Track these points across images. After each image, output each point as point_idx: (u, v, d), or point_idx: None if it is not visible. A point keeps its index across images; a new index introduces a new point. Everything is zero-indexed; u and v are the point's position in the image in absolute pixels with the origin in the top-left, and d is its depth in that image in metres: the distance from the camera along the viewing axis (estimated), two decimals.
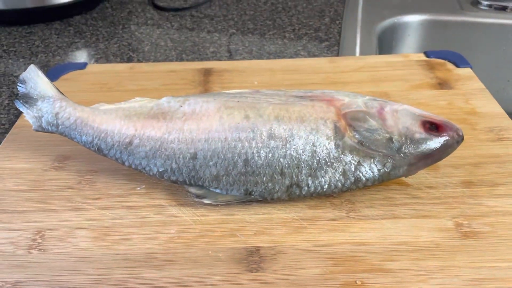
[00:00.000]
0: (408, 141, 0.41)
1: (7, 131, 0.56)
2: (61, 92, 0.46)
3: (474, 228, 0.39)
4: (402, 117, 0.42)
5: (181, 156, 0.41)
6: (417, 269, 0.36)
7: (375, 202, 0.42)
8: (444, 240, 0.38)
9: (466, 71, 0.62)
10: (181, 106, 0.44)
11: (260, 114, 0.42)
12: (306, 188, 0.41)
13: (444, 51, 0.66)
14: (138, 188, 0.45)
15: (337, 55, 0.74)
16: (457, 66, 0.63)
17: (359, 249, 0.38)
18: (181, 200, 0.43)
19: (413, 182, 0.44)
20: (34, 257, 0.38)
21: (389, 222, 0.40)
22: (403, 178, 0.44)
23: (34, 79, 0.45)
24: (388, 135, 0.41)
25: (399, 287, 0.35)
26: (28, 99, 0.45)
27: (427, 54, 0.66)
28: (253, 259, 0.38)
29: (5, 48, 0.78)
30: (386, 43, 0.85)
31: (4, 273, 0.37)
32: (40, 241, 0.40)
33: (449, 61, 0.64)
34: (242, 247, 0.39)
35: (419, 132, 0.41)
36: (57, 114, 0.44)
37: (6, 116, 0.61)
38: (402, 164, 0.41)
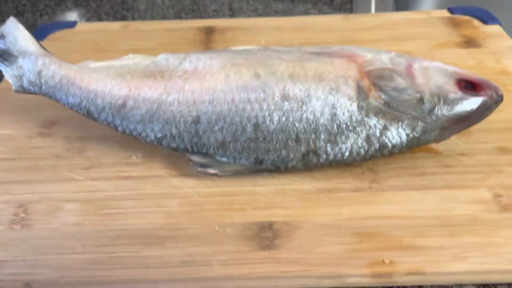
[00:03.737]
0: (442, 101, 0.36)
1: None
2: (44, 48, 0.40)
3: None
4: (433, 74, 0.37)
5: (182, 119, 0.36)
6: (452, 246, 0.32)
7: (401, 172, 0.38)
8: (481, 213, 0.34)
9: (494, 29, 0.56)
10: (181, 64, 0.38)
11: (272, 71, 0.37)
12: (324, 155, 0.36)
13: (469, 7, 0.60)
14: (134, 157, 0.40)
15: (351, 11, 0.68)
16: (485, 23, 0.57)
17: (385, 223, 0.33)
18: (182, 170, 0.38)
19: (443, 149, 0.39)
20: (17, 233, 0.34)
21: (418, 194, 0.36)
22: (433, 145, 0.39)
23: (13, 33, 0.40)
24: (418, 95, 0.36)
25: (434, 267, 0.31)
26: (7, 56, 0.40)
27: (451, 10, 0.60)
28: (266, 235, 0.33)
29: None
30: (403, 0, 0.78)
31: None
32: (23, 215, 0.35)
33: (476, 17, 0.58)
34: (252, 222, 0.34)
35: (453, 92, 0.36)
36: (40, 72, 0.39)
37: None
38: (434, 127, 0.36)
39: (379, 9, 0.69)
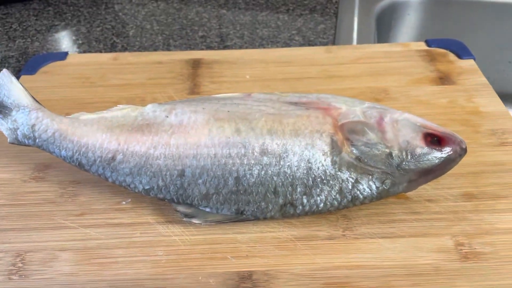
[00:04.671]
0: (409, 156, 0.39)
1: None
2: (37, 101, 0.42)
3: (475, 248, 0.38)
4: (402, 128, 0.40)
5: (168, 173, 0.39)
6: None
7: (372, 218, 0.41)
8: (444, 263, 0.37)
9: (469, 63, 0.59)
10: (167, 117, 0.41)
11: (252, 127, 0.39)
12: (301, 207, 0.39)
13: (446, 39, 0.62)
14: (124, 203, 0.43)
15: (334, 38, 0.70)
16: (460, 57, 0.60)
17: (355, 273, 0.36)
18: (169, 217, 0.41)
19: (412, 195, 0.42)
20: (15, 284, 0.37)
21: (387, 242, 0.39)
22: None
23: (7, 85, 0.42)
24: (387, 150, 0.39)
25: None
26: (1, 108, 0.42)
27: (428, 43, 0.62)
28: (245, 285, 0.36)
29: None
30: (385, 23, 0.81)
31: None
32: (20, 265, 0.38)
33: (451, 51, 0.61)
34: (234, 272, 0.37)
35: (420, 147, 0.39)
36: (33, 126, 0.41)
37: None
38: (402, 180, 0.39)
39: (361, 34, 0.71)
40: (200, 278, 0.37)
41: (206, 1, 0.81)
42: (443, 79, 0.56)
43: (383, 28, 0.80)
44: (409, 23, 0.84)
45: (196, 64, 0.60)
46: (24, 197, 0.43)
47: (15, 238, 0.40)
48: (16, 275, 0.37)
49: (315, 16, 0.76)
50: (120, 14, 0.78)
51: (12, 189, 0.44)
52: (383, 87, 0.55)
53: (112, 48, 0.69)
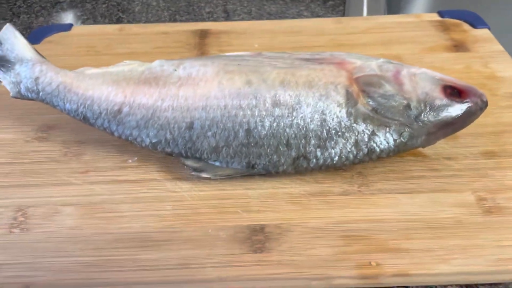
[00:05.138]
0: (428, 107, 0.37)
1: None
2: (41, 55, 0.41)
3: (498, 203, 0.36)
4: (420, 81, 0.38)
5: (176, 125, 0.37)
6: (437, 248, 0.33)
7: (389, 175, 0.39)
8: (466, 217, 0.35)
9: (483, 32, 0.57)
10: (175, 70, 0.39)
11: (264, 78, 0.38)
12: (314, 160, 0.37)
13: (459, 10, 0.61)
14: (130, 161, 0.41)
15: (343, 15, 0.68)
16: (474, 26, 0.58)
17: (373, 226, 0.35)
18: (177, 174, 0.39)
19: (430, 153, 0.41)
20: (16, 237, 0.35)
21: (405, 197, 0.37)
22: (420, 149, 0.40)
23: (10, 40, 0.41)
24: (405, 102, 0.37)
25: (418, 269, 0.32)
26: (4, 63, 0.40)
27: (441, 14, 0.61)
28: (257, 238, 0.34)
29: None
30: (395, 2, 0.79)
31: None
32: (22, 219, 0.36)
33: (465, 21, 0.59)
34: (245, 225, 0.35)
35: (439, 98, 0.37)
36: (37, 79, 0.40)
37: None
38: (421, 133, 0.37)
39: (371, 10, 0.70)
40: (209, 231, 0.35)
41: None
42: (458, 47, 0.55)
43: (393, 8, 0.78)
44: (420, 1, 0.82)
45: (203, 34, 0.59)
46: (26, 155, 0.42)
47: (16, 194, 0.38)
48: (17, 228, 0.36)
49: None
50: None
51: (15, 149, 0.43)
52: (396, 54, 0.54)
53: (117, 23, 0.68)
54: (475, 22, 0.58)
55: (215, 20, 0.68)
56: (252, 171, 0.38)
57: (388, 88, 0.38)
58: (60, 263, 0.33)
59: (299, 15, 0.69)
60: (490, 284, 0.33)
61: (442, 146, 0.41)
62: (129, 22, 0.68)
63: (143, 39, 0.58)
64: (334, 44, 0.56)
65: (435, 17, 0.61)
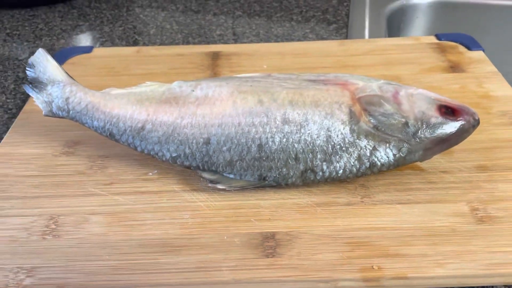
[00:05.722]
0: (424, 125, 0.40)
1: (14, 115, 0.56)
2: (70, 77, 0.45)
3: (490, 213, 0.39)
4: (417, 101, 0.42)
5: (194, 141, 0.41)
6: (434, 254, 0.36)
7: (389, 187, 0.42)
8: (460, 225, 0.38)
9: (478, 54, 0.61)
10: (193, 91, 0.43)
11: (274, 98, 0.42)
12: (320, 173, 0.40)
13: (455, 34, 0.65)
14: (150, 174, 0.45)
15: (346, 38, 0.73)
16: (469, 49, 0.62)
17: (375, 234, 0.38)
18: (194, 186, 0.43)
19: (427, 167, 0.44)
20: (49, 242, 0.38)
21: (404, 207, 0.40)
22: (418, 163, 0.44)
23: (43, 63, 0.45)
24: (403, 120, 0.40)
25: (416, 272, 0.35)
26: (37, 84, 0.44)
27: (438, 36, 0.65)
28: (269, 244, 0.37)
29: (8, 31, 0.77)
30: (394, 25, 0.84)
31: (20, 258, 0.37)
32: (54, 226, 0.40)
33: (461, 43, 0.63)
34: (257, 232, 0.38)
35: (435, 117, 0.41)
36: (67, 99, 0.44)
37: (13, 100, 0.60)
38: (418, 148, 0.41)
39: (372, 32, 0.74)
40: (225, 237, 0.38)
41: (223, 5, 0.84)
42: (454, 67, 0.58)
43: (393, 31, 0.83)
44: (418, 26, 0.86)
45: (215, 56, 0.63)
46: (55, 169, 0.46)
47: (47, 203, 0.42)
48: (50, 235, 0.39)
49: (327, 17, 0.79)
50: (141, 15, 0.82)
51: (44, 163, 0.46)
52: (395, 75, 0.57)
53: (134, 45, 0.72)
54: (470, 44, 0.62)
55: (225, 42, 0.73)
56: (264, 183, 0.41)
57: (388, 107, 0.41)
58: (90, 267, 0.36)
59: (304, 37, 0.73)
60: (483, 287, 0.36)
61: (438, 160, 0.44)
62: (144, 44, 0.73)
63: (160, 60, 0.62)
64: (338, 65, 0.60)
65: (433, 39, 0.65)
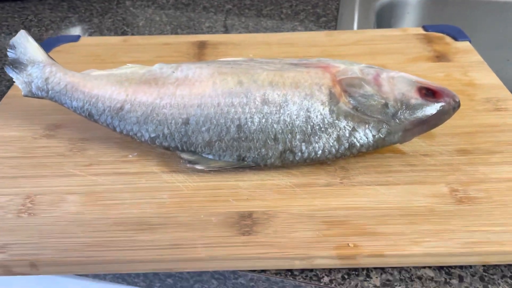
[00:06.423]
0: (404, 106, 0.40)
1: None
2: (51, 58, 0.45)
3: (469, 194, 0.39)
4: (398, 83, 0.42)
5: (173, 121, 0.41)
6: (410, 232, 0.36)
7: (369, 169, 0.42)
8: (438, 205, 0.38)
9: (464, 45, 0.61)
10: (173, 72, 0.43)
11: (254, 79, 0.41)
12: (299, 153, 0.40)
13: (442, 25, 0.65)
14: (130, 156, 0.44)
15: (335, 29, 0.73)
16: (456, 39, 0.62)
17: (352, 213, 0.38)
18: (173, 167, 0.43)
19: (408, 150, 0.44)
20: (24, 220, 0.38)
21: (383, 188, 0.40)
22: (399, 146, 0.44)
23: (23, 44, 0.45)
24: (383, 101, 0.40)
25: (392, 250, 0.35)
26: (18, 64, 0.44)
27: (425, 28, 0.65)
28: (246, 222, 0.37)
29: None
30: (384, 20, 0.84)
31: None
32: (30, 205, 0.39)
33: (448, 34, 0.63)
34: (234, 212, 0.38)
35: (415, 98, 0.41)
36: (47, 79, 0.43)
37: None
38: (397, 130, 0.40)
39: (361, 26, 0.74)
40: (202, 216, 0.38)
41: None
42: (440, 57, 0.58)
43: (383, 25, 0.83)
44: (408, 21, 0.87)
45: (202, 45, 0.63)
46: (34, 150, 0.45)
47: (25, 183, 0.41)
48: (25, 213, 0.39)
49: (317, 11, 0.79)
50: (131, 8, 0.82)
51: (24, 145, 0.46)
52: (381, 64, 0.57)
53: (122, 36, 0.72)
54: (457, 35, 0.62)
55: (214, 33, 0.73)
56: (243, 164, 0.41)
57: (368, 89, 0.41)
58: (63, 244, 0.36)
59: (293, 30, 0.73)
60: (461, 267, 0.36)
61: (419, 144, 0.44)
62: (133, 35, 0.72)
63: (146, 49, 0.62)
64: (325, 54, 0.60)
65: (420, 31, 0.65)
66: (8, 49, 0.45)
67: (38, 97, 0.44)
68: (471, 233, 0.36)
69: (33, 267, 0.35)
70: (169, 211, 0.38)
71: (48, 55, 0.45)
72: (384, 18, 0.84)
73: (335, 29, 0.74)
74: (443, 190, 0.39)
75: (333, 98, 0.40)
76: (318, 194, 0.40)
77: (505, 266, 0.36)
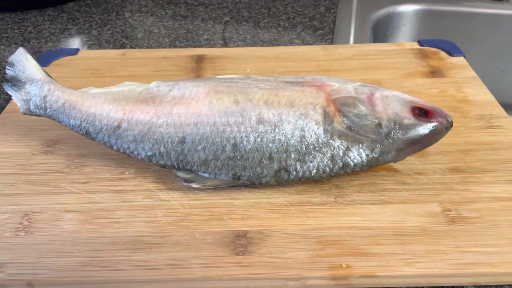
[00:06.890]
0: (397, 126, 0.41)
1: None
2: (49, 75, 0.45)
3: (462, 213, 0.39)
4: (391, 102, 0.42)
5: (169, 140, 0.41)
6: (403, 253, 0.36)
7: (363, 188, 0.42)
8: (431, 225, 0.38)
9: (459, 60, 0.61)
10: (170, 90, 0.43)
11: (250, 98, 0.42)
12: (294, 172, 0.41)
13: (437, 40, 0.66)
14: (127, 173, 0.45)
15: (331, 44, 0.73)
16: (450, 54, 0.62)
17: (346, 233, 0.38)
18: (169, 185, 0.43)
19: (402, 168, 0.44)
20: (21, 239, 0.38)
21: (377, 207, 0.40)
22: (392, 165, 0.44)
23: (22, 62, 0.45)
24: (377, 121, 0.41)
25: (385, 271, 0.35)
26: (16, 82, 0.45)
27: (420, 42, 0.65)
28: (240, 242, 0.38)
29: None
30: (380, 33, 0.85)
31: None
32: (27, 223, 0.40)
33: (443, 49, 0.64)
34: (229, 231, 0.39)
35: (408, 118, 0.41)
36: (45, 97, 0.44)
37: None
38: (391, 149, 0.41)
39: (357, 39, 0.74)
40: (197, 235, 0.38)
41: (212, 10, 0.85)
42: (434, 73, 0.59)
43: (379, 38, 0.83)
44: (404, 34, 0.87)
45: (199, 59, 0.63)
46: (32, 167, 0.46)
47: (22, 201, 0.42)
48: (23, 232, 0.39)
49: (314, 23, 0.80)
50: (130, 20, 0.82)
51: (22, 161, 0.46)
52: (376, 79, 0.58)
53: (121, 48, 0.73)
54: (452, 50, 0.63)
55: (212, 46, 0.73)
56: (238, 182, 0.41)
57: (362, 108, 0.41)
58: (60, 263, 0.36)
59: (290, 43, 0.74)
60: (453, 287, 0.36)
61: (413, 162, 0.45)
62: (132, 47, 0.73)
63: (144, 62, 0.63)
64: (320, 69, 0.61)
65: (415, 45, 0.65)
66: (6, 67, 0.45)
67: (37, 115, 0.45)
68: (462, 254, 0.36)
69: (30, 287, 0.35)
70: (164, 229, 0.39)
71: (47, 73, 0.45)
72: (380, 30, 0.85)
73: (332, 41, 0.74)
74: (435, 209, 0.40)
75: (327, 118, 0.41)
76: (313, 213, 0.40)
77: (496, 286, 0.36)
